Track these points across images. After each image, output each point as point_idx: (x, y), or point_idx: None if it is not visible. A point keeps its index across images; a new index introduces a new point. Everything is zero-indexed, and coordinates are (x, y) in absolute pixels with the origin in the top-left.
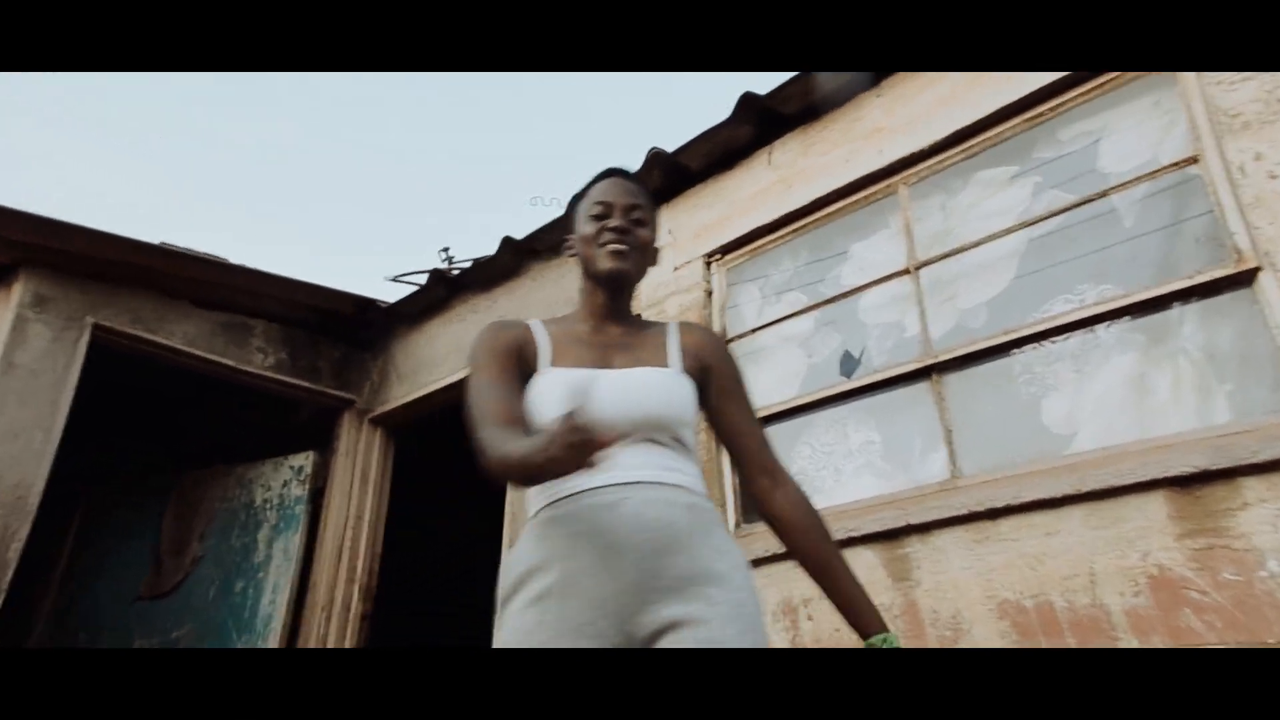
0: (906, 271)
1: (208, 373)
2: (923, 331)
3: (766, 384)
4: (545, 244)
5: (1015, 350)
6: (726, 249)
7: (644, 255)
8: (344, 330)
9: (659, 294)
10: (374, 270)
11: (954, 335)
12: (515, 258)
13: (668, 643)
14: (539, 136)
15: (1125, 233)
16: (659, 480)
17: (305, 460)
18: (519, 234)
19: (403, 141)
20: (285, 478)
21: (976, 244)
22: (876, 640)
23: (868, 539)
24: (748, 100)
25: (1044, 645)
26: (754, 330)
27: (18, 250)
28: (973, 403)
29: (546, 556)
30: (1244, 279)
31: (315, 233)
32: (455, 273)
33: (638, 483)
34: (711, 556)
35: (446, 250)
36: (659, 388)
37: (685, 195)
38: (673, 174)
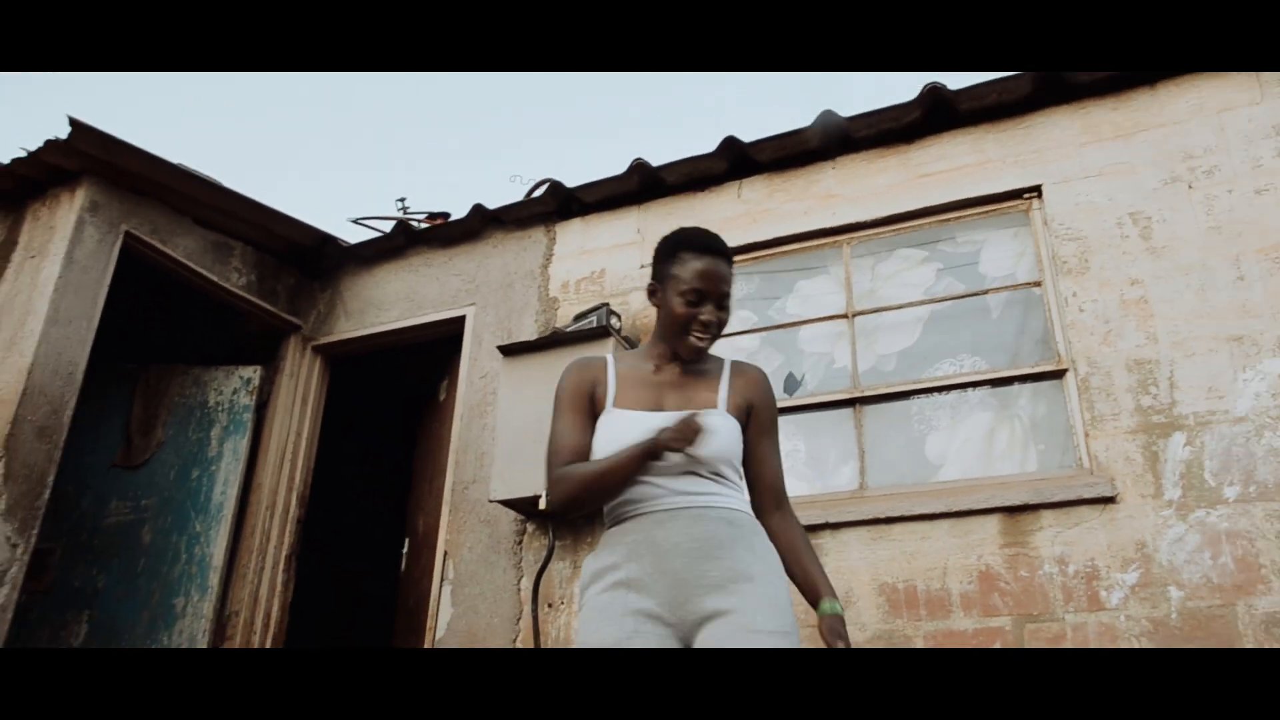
0: (845, 316)
1: (195, 286)
2: (853, 368)
3: None
4: (512, 217)
5: (914, 396)
6: None
7: (720, 332)
8: (302, 260)
9: (623, 285)
10: (328, 209)
11: (872, 374)
12: (481, 223)
13: (710, 628)
14: (521, 117)
15: (992, 322)
16: (700, 505)
17: (253, 373)
18: (482, 198)
19: (383, 88)
20: (235, 386)
21: (898, 307)
22: (824, 605)
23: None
24: (729, 143)
25: (905, 617)
26: None
27: (84, 160)
28: (881, 431)
29: (617, 559)
30: (1058, 374)
31: (277, 162)
32: (418, 226)
33: (684, 508)
34: (748, 560)
35: (403, 201)
36: (713, 431)
37: (660, 202)
38: (650, 182)
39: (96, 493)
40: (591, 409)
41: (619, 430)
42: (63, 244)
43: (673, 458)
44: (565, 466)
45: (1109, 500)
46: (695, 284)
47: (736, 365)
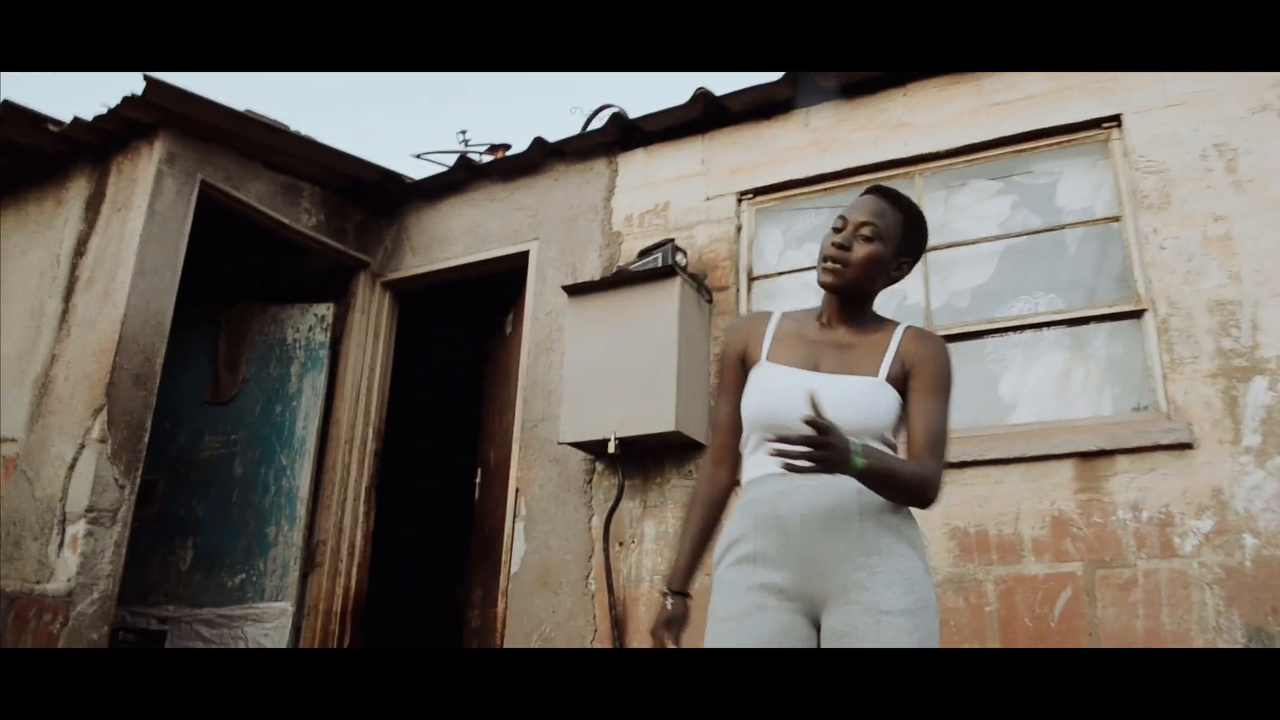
0: None
1: (267, 227)
2: (926, 304)
3: None
4: (573, 148)
5: (988, 336)
6: (760, 191)
7: (867, 269)
8: (368, 198)
9: (688, 219)
10: (392, 147)
11: (945, 311)
12: (541, 156)
13: (836, 604)
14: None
15: (1069, 258)
16: (828, 475)
17: (327, 310)
18: (543, 130)
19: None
20: (310, 323)
21: (972, 242)
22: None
23: None
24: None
25: (976, 561)
26: (779, 274)
27: (159, 113)
28: (957, 371)
29: (744, 531)
30: (1136, 314)
31: (338, 102)
32: (480, 159)
33: (811, 478)
34: (877, 533)
35: (464, 134)
36: (850, 401)
37: (724, 131)
38: (714, 110)
39: (190, 428)
40: (742, 372)
41: (766, 384)
42: (145, 196)
43: (793, 422)
44: (703, 470)
45: (1186, 446)
46: (843, 213)
47: (913, 332)
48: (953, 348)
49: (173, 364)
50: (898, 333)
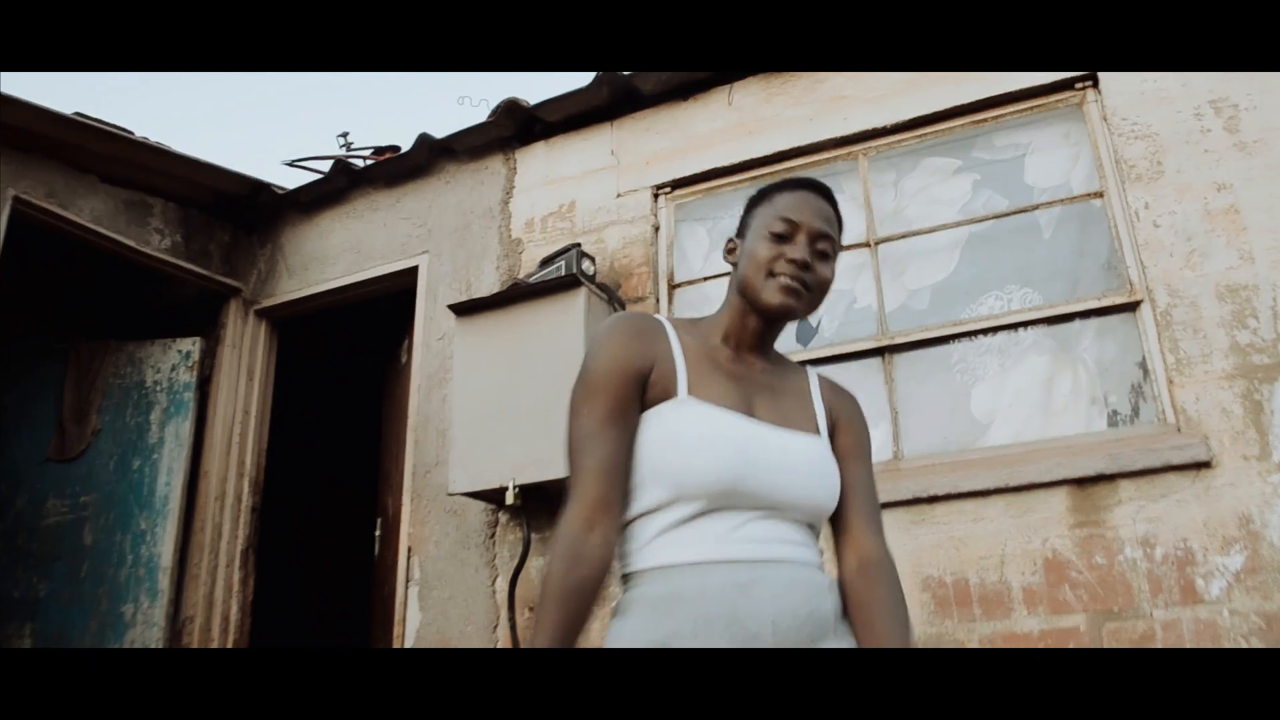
0: (866, 244)
1: (109, 251)
2: (879, 308)
3: None
4: (464, 145)
5: (955, 340)
6: (679, 183)
7: (820, 295)
8: (236, 214)
9: (598, 220)
10: (267, 158)
11: (902, 314)
12: (430, 155)
13: None
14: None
15: (1044, 245)
16: (790, 558)
17: (192, 346)
18: (431, 129)
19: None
20: (173, 361)
21: (931, 230)
22: None
23: None
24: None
25: (955, 617)
26: (704, 279)
27: None
28: (917, 385)
29: (670, 635)
30: (1131, 307)
31: (210, 109)
32: (361, 164)
33: (769, 560)
34: (847, 643)
35: (345, 136)
36: (821, 471)
37: (635, 116)
38: (623, 93)
39: (30, 491)
40: (639, 397)
41: (705, 433)
42: None
43: (789, 491)
44: (567, 540)
45: (1203, 465)
46: (785, 213)
47: (823, 380)
48: (914, 356)
49: (10, 412)
50: (812, 379)
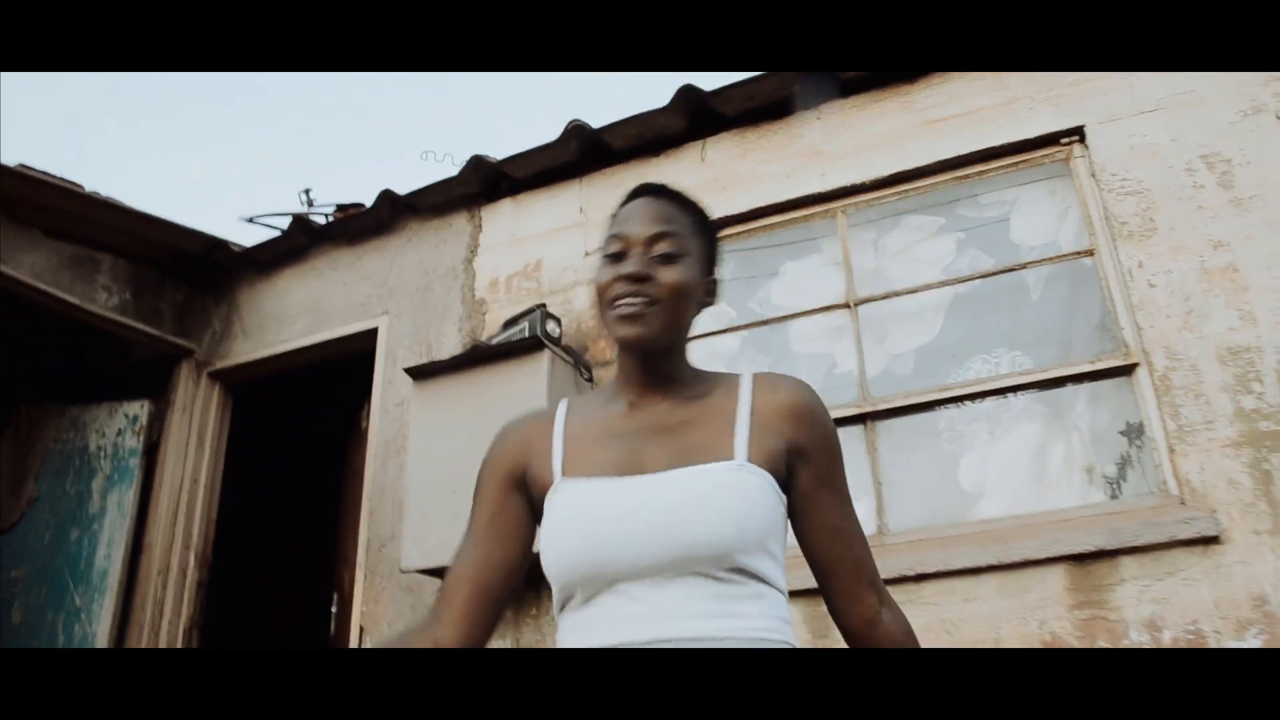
0: (846, 305)
1: (52, 310)
2: (860, 372)
3: None
4: (428, 202)
5: (940, 407)
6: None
7: (679, 302)
8: (190, 272)
9: (565, 280)
10: (227, 212)
11: (885, 380)
12: (392, 213)
13: None
14: (435, 86)
15: (1033, 305)
16: (704, 634)
17: (140, 409)
18: (395, 186)
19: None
20: (119, 425)
21: (914, 290)
22: None
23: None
24: (687, 92)
25: None
26: None
27: None
28: (901, 454)
29: None
30: (1127, 370)
31: (166, 164)
32: (322, 221)
33: (681, 642)
34: None
35: (308, 192)
36: (702, 503)
37: (604, 172)
38: (592, 148)
39: None
40: (514, 499)
41: (575, 513)
42: None
43: (653, 547)
44: (442, 600)
45: (1211, 540)
46: (613, 230)
47: (762, 381)
48: (898, 424)
49: None
50: (744, 387)
